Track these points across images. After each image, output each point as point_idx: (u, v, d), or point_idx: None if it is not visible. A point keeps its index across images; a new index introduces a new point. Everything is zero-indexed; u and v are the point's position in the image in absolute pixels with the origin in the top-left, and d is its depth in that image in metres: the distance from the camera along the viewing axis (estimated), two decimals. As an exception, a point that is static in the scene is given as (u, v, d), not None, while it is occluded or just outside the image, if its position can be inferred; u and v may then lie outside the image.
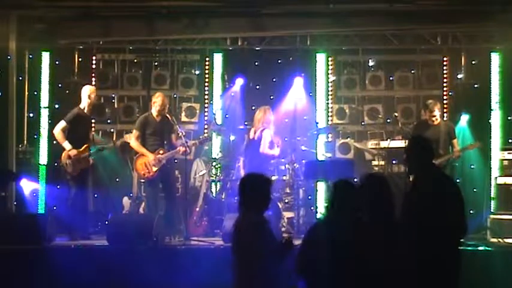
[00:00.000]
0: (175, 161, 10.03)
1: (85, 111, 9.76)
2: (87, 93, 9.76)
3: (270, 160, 10.14)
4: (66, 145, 9.56)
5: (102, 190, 11.00)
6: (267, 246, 5.04)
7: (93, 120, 10.46)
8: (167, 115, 9.68)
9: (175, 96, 11.78)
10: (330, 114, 11.59)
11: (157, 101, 9.63)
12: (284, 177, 10.11)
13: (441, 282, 5.20)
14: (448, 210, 5.22)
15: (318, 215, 10.12)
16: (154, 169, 9.49)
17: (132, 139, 9.73)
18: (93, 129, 10.21)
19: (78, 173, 9.59)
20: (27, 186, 10.40)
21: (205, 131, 11.53)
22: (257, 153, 10.00)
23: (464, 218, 5.33)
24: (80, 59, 11.77)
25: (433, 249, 5.13)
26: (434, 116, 9.73)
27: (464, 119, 10.76)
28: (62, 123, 9.65)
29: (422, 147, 5.55)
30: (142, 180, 10.08)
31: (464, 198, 5.40)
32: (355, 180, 9.47)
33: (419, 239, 5.11)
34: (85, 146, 9.65)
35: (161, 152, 9.50)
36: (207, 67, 11.76)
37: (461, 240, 5.57)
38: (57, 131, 9.66)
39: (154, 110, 9.65)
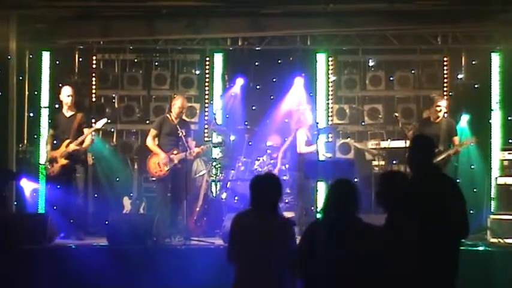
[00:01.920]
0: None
1: (65, 112, 9.81)
2: (61, 95, 9.82)
3: (308, 158, 10.17)
4: (47, 147, 9.88)
5: (102, 190, 11.00)
6: (273, 244, 5.07)
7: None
8: (184, 118, 9.92)
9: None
10: (330, 114, 11.59)
11: (176, 103, 9.78)
12: (284, 177, 10.11)
13: (440, 282, 5.19)
14: (449, 211, 5.21)
15: (318, 215, 10.12)
16: (166, 168, 9.61)
17: (148, 137, 9.88)
18: (85, 130, 9.91)
19: (57, 173, 9.63)
20: (27, 186, 10.40)
21: (206, 130, 11.54)
22: (293, 154, 10.13)
23: (466, 218, 5.31)
24: (80, 59, 11.77)
25: (433, 250, 5.12)
26: (439, 107, 9.70)
27: (465, 119, 10.76)
28: (50, 131, 9.95)
29: (422, 147, 5.53)
30: (153, 179, 10.10)
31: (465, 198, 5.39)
32: (356, 180, 9.57)
33: (419, 239, 5.09)
34: (65, 143, 9.64)
35: (175, 152, 9.58)
36: (207, 67, 11.76)
37: (463, 240, 5.56)
38: (47, 136, 10.01)
39: (173, 112, 9.76)
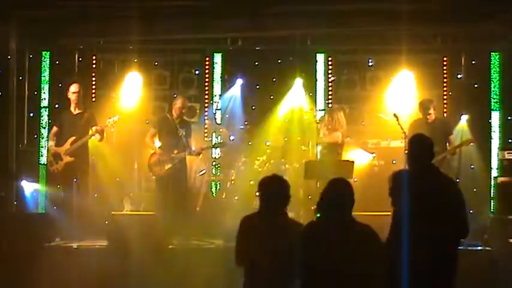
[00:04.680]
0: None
1: (72, 110, 9.81)
2: (69, 93, 9.83)
3: None
4: (49, 143, 9.84)
5: (102, 189, 11.00)
6: (283, 245, 5.08)
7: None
8: (185, 118, 9.98)
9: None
10: (329, 114, 11.57)
11: (177, 103, 9.88)
12: (284, 177, 10.08)
13: (439, 282, 5.20)
14: (449, 211, 5.22)
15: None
16: (166, 167, 9.64)
17: (147, 136, 9.97)
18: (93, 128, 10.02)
19: (61, 170, 9.63)
20: (27, 186, 10.40)
21: (205, 130, 11.55)
22: None
23: (466, 218, 5.32)
24: (80, 59, 11.75)
25: (432, 249, 5.12)
26: (430, 114, 9.79)
27: (464, 119, 10.77)
28: (54, 128, 9.90)
29: (421, 147, 5.53)
30: (154, 178, 10.13)
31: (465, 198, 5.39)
32: (355, 180, 9.57)
33: (418, 238, 5.10)
34: (70, 140, 9.63)
35: (175, 151, 9.61)
36: (207, 67, 11.77)
37: (463, 240, 5.57)
38: (50, 132, 9.99)
39: (173, 112, 9.86)
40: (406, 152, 5.65)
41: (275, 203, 5.25)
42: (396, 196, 5.29)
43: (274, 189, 5.28)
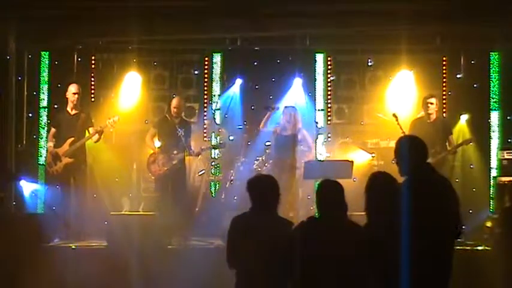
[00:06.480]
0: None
1: (69, 110, 9.83)
2: (67, 93, 9.88)
3: None
4: (48, 145, 9.96)
5: (101, 190, 10.99)
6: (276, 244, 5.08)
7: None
8: (184, 118, 10.11)
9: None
10: (329, 114, 11.58)
11: (172, 103, 10.02)
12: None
13: (435, 282, 5.19)
14: (443, 211, 5.21)
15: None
16: (166, 167, 9.66)
17: (147, 136, 10.07)
18: (90, 129, 10.05)
19: (61, 172, 9.67)
20: (26, 186, 10.40)
21: (205, 130, 11.54)
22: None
23: (459, 218, 5.31)
24: (79, 59, 11.72)
25: (427, 250, 5.11)
26: (432, 104, 9.78)
27: (464, 119, 10.77)
28: (52, 129, 10.00)
29: (412, 148, 5.48)
30: (153, 178, 10.13)
31: (459, 197, 5.38)
32: (354, 180, 9.57)
33: (413, 239, 5.09)
34: (69, 141, 9.64)
35: (175, 152, 9.62)
36: (206, 67, 11.76)
37: (459, 239, 5.56)
38: (48, 134, 10.08)
39: (171, 112, 9.95)
40: (394, 155, 5.60)
41: (264, 202, 5.25)
42: (374, 207, 5.26)
43: (263, 188, 5.29)
